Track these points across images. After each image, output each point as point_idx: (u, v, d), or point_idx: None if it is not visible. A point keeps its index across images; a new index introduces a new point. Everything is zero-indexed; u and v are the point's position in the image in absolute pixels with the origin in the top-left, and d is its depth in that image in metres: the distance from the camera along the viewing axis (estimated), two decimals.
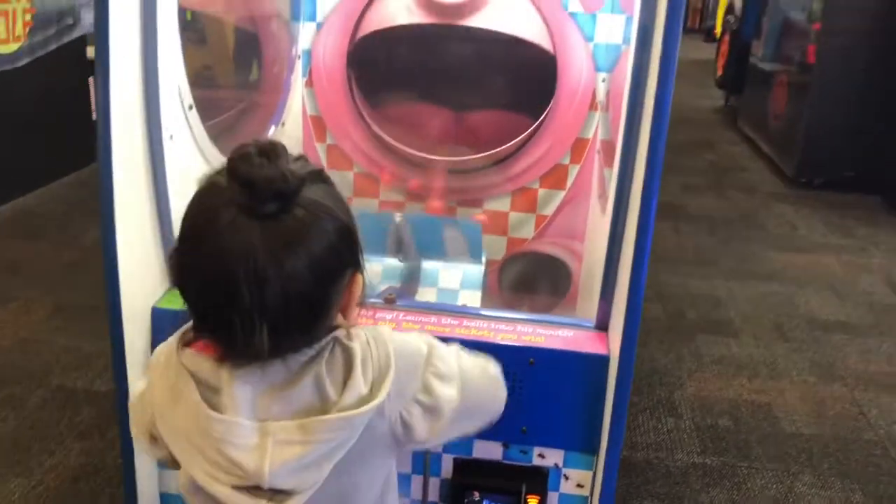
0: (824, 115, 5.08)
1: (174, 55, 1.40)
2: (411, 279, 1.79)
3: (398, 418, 0.93)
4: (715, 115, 7.59)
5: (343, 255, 0.88)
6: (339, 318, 0.93)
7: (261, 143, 0.84)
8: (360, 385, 0.88)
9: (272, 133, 2.00)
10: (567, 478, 1.40)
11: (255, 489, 0.87)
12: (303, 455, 0.86)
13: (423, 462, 1.41)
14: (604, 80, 2.08)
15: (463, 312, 1.43)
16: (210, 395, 0.88)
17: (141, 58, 1.29)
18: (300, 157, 0.87)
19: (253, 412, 0.87)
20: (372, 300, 1.46)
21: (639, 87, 1.24)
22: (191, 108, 1.48)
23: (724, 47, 7.55)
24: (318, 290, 0.86)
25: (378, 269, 1.81)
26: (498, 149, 2.15)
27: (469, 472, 1.41)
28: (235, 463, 0.87)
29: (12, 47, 4.34)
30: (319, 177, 0.88)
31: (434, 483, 1.43)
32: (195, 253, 0.84)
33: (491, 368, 1.09)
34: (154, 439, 0.98)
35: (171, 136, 1.38)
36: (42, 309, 3.33)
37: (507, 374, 1.33)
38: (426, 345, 0.99)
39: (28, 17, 4.44)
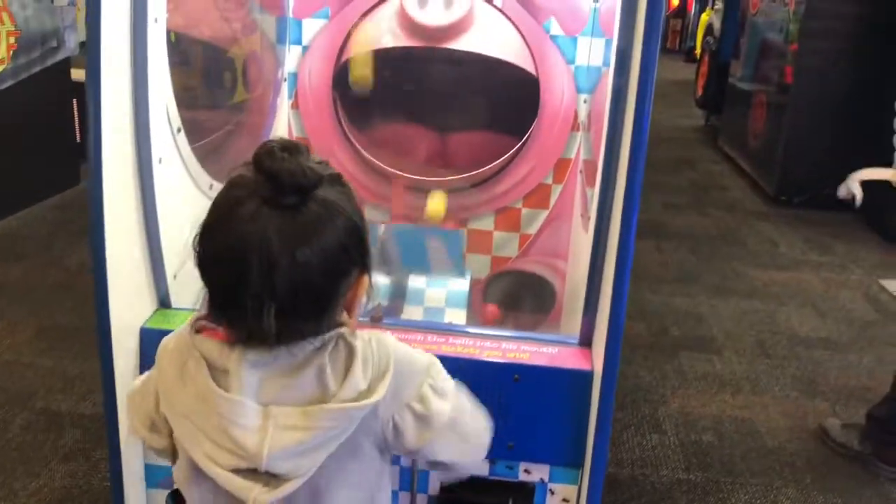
0: (803, 134, 5.17)
1: (163, 78, 1.42)
2: (397, 297, 1.81)
3: (391, 421, 0.97)
4: (695, 134, 7.68)
5: (352, 253, 0.93)
6: (345, 317, 0.98)
7: (284, 141, 0.91)
8: (359, 380, 0.93)
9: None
10: (553, 492, 1.42)
11: (251, 473, 0.91)
12: (302, 441, 0.90)
13: (411, 479, 1.42)
14: (585, 101, 2.12)
15: (449, 330, 1.46)
16: (218, 376, 0.93)
17: (131, 81, 1.31)
18: (322, 161, 0.93)
19: (257, 396, 0.91)
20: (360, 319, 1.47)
21: (618, 109, 1.27)
22: (179, 130, 1.50)
23: (704, 68, 7.67)
24: (325, 283, 0.91)
25: None
26: (481, 169, 2.18)
27: (456, 489, 1.42)
28: (237, 443, 0.91)
29: None
30: (338, 180, 0.94)
31: (422, 500, 1.44)
32: (217, 237, 0.90)
33: (482, 412, 1.11)
34: (154, 428, 1.02)
35: (160, 160, 1.40)
36: (26, 330, 3.32)
37: (493, 390, 1.36)
38: (428, 359, 1.03)
39: (12, 39, 4.45)
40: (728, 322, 3.69)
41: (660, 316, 3.73)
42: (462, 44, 2.09)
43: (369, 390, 0.93)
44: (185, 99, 1.72)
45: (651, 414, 2.93)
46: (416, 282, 1.82)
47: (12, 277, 3.84)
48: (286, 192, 0.87)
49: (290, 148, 0.89)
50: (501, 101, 2.19)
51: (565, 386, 1.35)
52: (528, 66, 2.12)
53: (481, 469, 1.42)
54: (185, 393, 0.95)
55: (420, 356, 1.03)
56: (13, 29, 4.44)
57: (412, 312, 1.78)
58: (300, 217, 0.89)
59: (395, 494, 1.44)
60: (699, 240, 4.77)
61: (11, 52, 4.45)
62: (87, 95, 1.22)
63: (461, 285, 1.82)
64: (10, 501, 2.30)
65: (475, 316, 2.18)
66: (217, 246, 0.91)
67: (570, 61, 2.12)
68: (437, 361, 1.04)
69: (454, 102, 2.22)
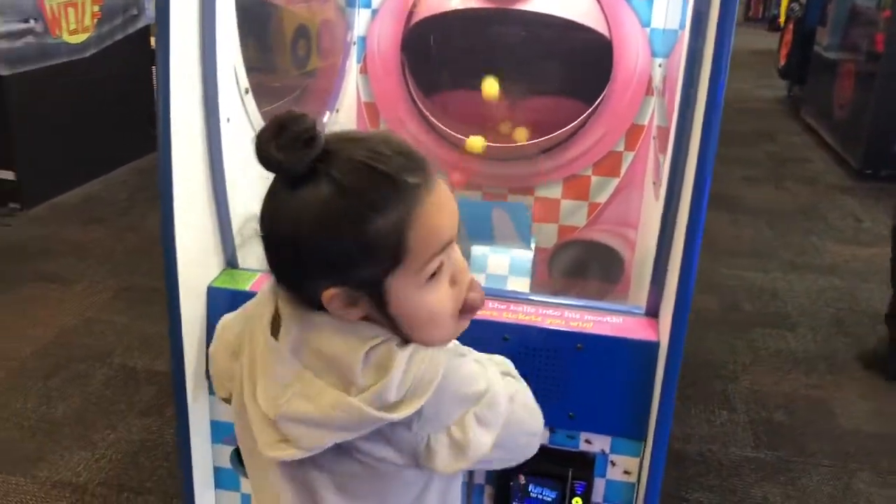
0: (892, 105, 4.92)
1: (231, 38, 1.43)
2: None
3: (426, 439, 0.91)
4: (777, 105, 7.40)
5: (306, 268, 0.88)
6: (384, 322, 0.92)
7: (277, 120, 0.84)
8: (387, 391, 0.87)
9: (327, 119, 2.02)
10: (614, 464, 1.40)
11: (272, 424, 0.90)
12: (308, 415, 0.88)
13: None
14: (660, 66, 2.05)
15: (511, 297, 1.43)
16: (277, 325, 0.93)
17: (199, 41, 1.32)
18: (314, 141, 0.83)
19: (298, 353, 0.90)
20: None
21: (692, 74, 1.22)
22: (247, 91, 1.51)
23: (788, 36, 7.35)
24: (296, 279, 0.90)
25: None
26: (550, 135, 2.14)
27: None
28: (264, 389, 0.91)
29: (81, 38, 4.49)
30: (325, 181, 0.84)
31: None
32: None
33: (535, 423, 1.04)
34: (235, 358, 1.01)
35: (228, 119, 1.41)
36: (106, 291, 3.45)
37: (555, 359, 1.34)
38: (486, 383, 0.95)
39: (96, 7, 4.58)
40: (804, 298, 3.57)
41: (732, 290, 3.63)
42: (533, 5, 2.05)
43: (397, 404, 0.88)
44: (257, 63, 1.74)
45: (721, 390, 2.86)
46: (479, 249, 1.80)
47: (94, 239, 3.99)
48: (284, 170, 0.85)
49: (277, 129, 0.83)
50: (572, 64, 2.13)
51: (629, 356, 1.32)
52: (601, 28, 2.06)
53: (541, 438, 1.40)
54: (242, 329, 0.98)
55: (477, 382, 0.94)
56: None
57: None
58: (298, 202, 0.85)
59: None
60: (776, 214, 4.61)
61: (95, 21, 4.59)
62: (157, 52, 1.23)
63: (525, 253, 1.79)
64: (89, 451, 2.41)
65: (540, 285, 2.16)
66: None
67: (646, 24, 2.05)
68: (496, 385, 0.96)
69: (524, 66, 2.17)
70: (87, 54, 4.49)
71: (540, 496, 1.40)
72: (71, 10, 4.36)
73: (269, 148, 0.83)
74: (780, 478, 2.42)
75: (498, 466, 1.04)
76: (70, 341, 3.04)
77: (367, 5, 2.17)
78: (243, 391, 0.96)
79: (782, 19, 8.47)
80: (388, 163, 0.85)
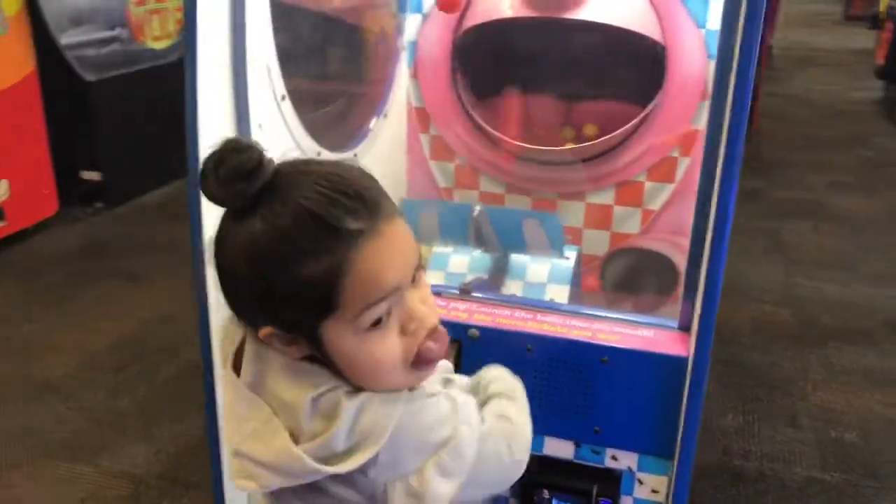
0: None
1: (265, 43, 1.45)
2: (498, 271, 1.77)
3: (383, 486, 0.87)
4: (872, 107, 7.02)
5: (241, 306, 0.87)
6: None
7: (212, 154, 0.82)
8: (335, 442, 0.84)
9: (373, 124, 2.03)
10: (641, 482, 1.35)
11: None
12: (261, 458, 0.86)
13: None
14: None
15: (537, 306, 1.41)
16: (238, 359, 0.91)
17: (230, 44, 1.34)
18: (254, 174, 0.81)
19: (256, 387, 0.88)
20: (450, 290, 1.46)
21: (723, 72, 1.16)
22: (283, 98, 1.53)
23: (887, 34, 6.97)
24: (239, 311, 0.88)
25: (465, 260, 1.80)
26: (600, 139, 2.09)
27: (540, 470, 1.38)
28: (229, 422, 0.89)
29: (165, 44, 4.67)
30: (260, 217, 0.81)
31: None
32: None
33: (517, 452, 0.99)
34: None
35: (260, 126, 1.43)
36: (182, 288, 3.56)
37: (579, 371, 1.31)
38: (451, 429, 0.89)
39: (179, 15, 4.75)
40: (889, 313, 3.37)
41: (810, 303, 3.47)
42: (584, 13, 2.00)
43: (346, 454, 0.84)
44: (306, 70, 1.76)
45: (788, 406, 2.73)
46: (518, 257, 1.78)
47: (173, 238, 4.13)
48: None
49: (217, 161, 0.81)
50: (625, 69, 2.08)
51: (656, 371, 1.27)
52: (655, 31, 2.00)
53: (566, 452, 1.37)
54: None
55: (441, 429, 0.89)
56: (180, 5, 4.73)
57: (512, 287, 1.74)
58: (220, 228, 0.86)
59: None
60: (864, 222, 4.37)
61: (178, 27, 4.76)
62: (185, 59, 1.26)
63: (565, 261, 1.75)
64: (150, 443, 2.49)
65: (591, 295, 2.11)
66: None
67: (701, 25, 1.98)
68: (467, 439, 0.90)
69: (575, 72, 2.13)
70: (171, 59, 4.66)
71: None
72: (155, 18, 4.54)
73: (208, 180, 0.80)
74: (849, 502, 2.29)
75: (480, 498, 1.00)
76: (143, 336, 3.15)
77: (419, 10, 2.17)
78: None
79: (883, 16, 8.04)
80: (330, 206, 0.80)
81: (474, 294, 1.44)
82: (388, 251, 0.82)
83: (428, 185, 2.28)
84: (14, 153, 3.80)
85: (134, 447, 2.49)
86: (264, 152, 0.82)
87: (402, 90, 2.19)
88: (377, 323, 0.84)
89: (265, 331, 0.84)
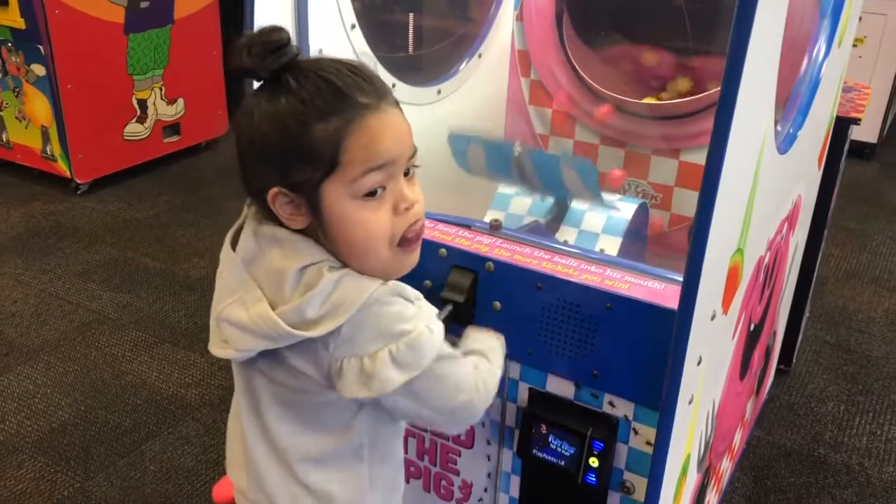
0: None
1: None
2: (556, 217, 1.79)
3: (339, 361, 0.96)
4: None
5: (257, 170, 0.96)
6: (324, 239, 0.98)
7: (249, 33, 0.94)
8: (307, 308, 0.93)
9: (464, 66, 2.08)
10: (637, 432, 1.35)
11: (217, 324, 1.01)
12: (240, 321, 0.96)
13: (503, 387, 1.45)
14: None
15: (557, 249, 1.42)
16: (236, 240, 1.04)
17: None
18: (282, 51, 0.93)
19: (249, 264, 0.99)
20: (478, 224, 1.51)
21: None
22: (353, 27, 1.62)
23: None
24: (250, 179, 0.98)
25: (527, 203, 1.83)
26: (702, 94, 2.02)
27: (541, 405, 1.42)
28: (216, 290, 1.02)
29: None
30: (284, 87, 0.93)
31: (511, 408, 1.47)
32: None
33: (473, 395, 1.06)
34: None
35: (321, 50, 1.53)
36: None
37: (584, 315, 1.32)
38: (413, 327, 0.96)
39: None
40: None
41: None
42: None
43: (315, 322, 0.93)
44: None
45: None
46: (578, 204, 1.78)
47: None
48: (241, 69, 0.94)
49: (252, 38, 0.93)
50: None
51: (653, 323, 1.26)
52: None
53: (567, 392, 1.40)
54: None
55: (404, 323, 0.96)
56: None
57: (567, 234, 1.75)
58: (253, 106, 0.95)
59: None
60: None
61: None
62: None
63: (623, 213, 1.73)
64: None
65: (631, 244, 2.06)
66: None
67: None
68: (426, 339, 0.97)
69: (682, 23, 2.05)
70: None
71: (559, 448, 1.40)
72: None
73: (240, 54, 0.93)
74: None
75: (428, 424, 1.06)
76: None
77: None
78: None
79: None
80: (345, 80, 0.93)
81: (503, 231, 1.48)
82: (389, 127, 0.95)
83: (525, 129, 2.31)
84: (192, 75, 4.20)
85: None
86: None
87: (505, 32, 2.21)
88: (372, 194, 0.95)
89: (273, 191, 0.94)
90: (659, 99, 2.11)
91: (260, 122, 0.93)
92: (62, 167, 3.86)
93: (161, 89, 4.08)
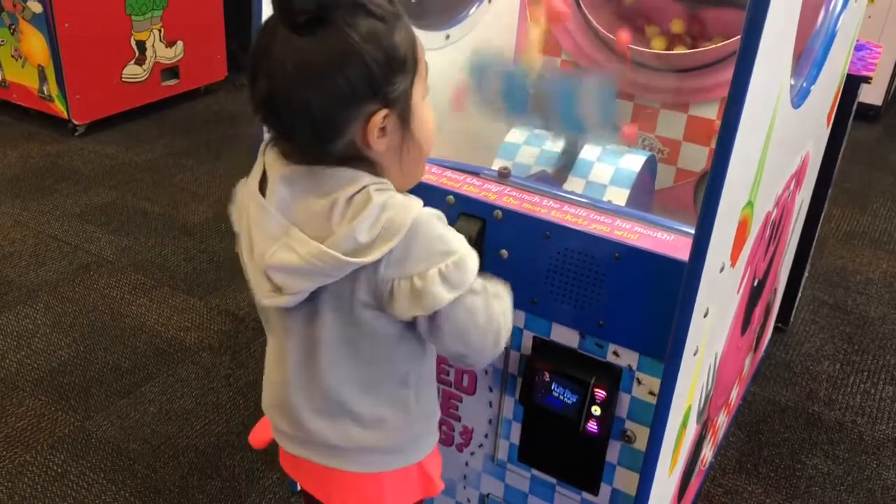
0: None
1: None
2: (564, 167, 1.77)
3: (390, 283, 0.98)
4: None
5: (359, 87, 0.94)
6: (375, 154, 1.00)
7: None
8: (358, 233, 0.94)
9: (474, 11, 2.04)
10: (640, 382, 1.36)
11: (266, 273, 1.01)
12: (293, 263, 0.98)
13: None
14: None
15: (566, 198, 1.41)
16: (265, 185, 1.03)
17: None
18: None
19: (289, 213, 0.99)
20: (486, 171, 1.49)
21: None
22: None
23: None
24: (320, 107, 0.94)
25: (535, 152, 1.81)
26: (712, 46, 1.99)
27: (544, 353, 1.42)
28: (256, 243, 1.02)
29: None
30: (363, 8, 0.92)
31: (514, 356, 1.47)
32: (251, 46, 0.99)
33: (497, 325, 1.09)
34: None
35: None
36: None
37: (591, 265, 1.32)
38: (457, 249, 1.00)
39: None
40: None
41: None
42: None
43: (368, 246, 0.95)
44: None
45: None
46: (587, 154, 1.76)
47: None
48: (293, 11, 0.90)
49: None
50: None
51: (661, 273, 1.25)
52: None
53: (571, 341, 1.40)
54: (245, 193, 1.07)
55: (448, 244, 0.99)
56: None
57: (574, 184, 1.73)
58: (309, 45, 0.92)
59: None
60: None
61: None
62: None
63: (632, 164, 1.72)
64: None
65: (639, 196, 2.05)
66: (249, 51, 0.99)
67: None
68: (465, 258, 1.00)
69: None
70: None
71: (561, 396, 1.41)
72: None
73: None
74: None
75: (462, 350, 1.07)
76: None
77: None
78: (244, 249, 1.07)
79: None
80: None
81: (512, 179, 1.46)
82: None
83: None
84: (192, 18, 4.12)
85: (242, 293, 2.75)
86: None
87: None
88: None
89: (382, 113, 0.96)
90: (674, 50, 2.07)
91: (363, 45, 0.92)
92: (59, 108, 3.81)
93: (160, 31, 4.01)
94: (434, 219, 1.00)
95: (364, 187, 0.97)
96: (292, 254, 0.97)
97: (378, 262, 0.96)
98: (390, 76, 0.95)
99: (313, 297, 1.02)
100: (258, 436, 1.34)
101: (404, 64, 0.96)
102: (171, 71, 4.16)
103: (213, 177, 3.60)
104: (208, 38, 4.25)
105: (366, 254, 0.95)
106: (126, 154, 3.77)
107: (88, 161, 3.68)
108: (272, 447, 1.28)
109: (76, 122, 3.84)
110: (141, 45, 3.95)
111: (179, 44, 4.13)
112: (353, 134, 0.97)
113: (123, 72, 3.92)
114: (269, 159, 1.02)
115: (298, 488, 1.86)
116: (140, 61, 3.98)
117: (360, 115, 0.96)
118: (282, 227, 0.99)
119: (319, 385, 1.10)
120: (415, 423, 1.16)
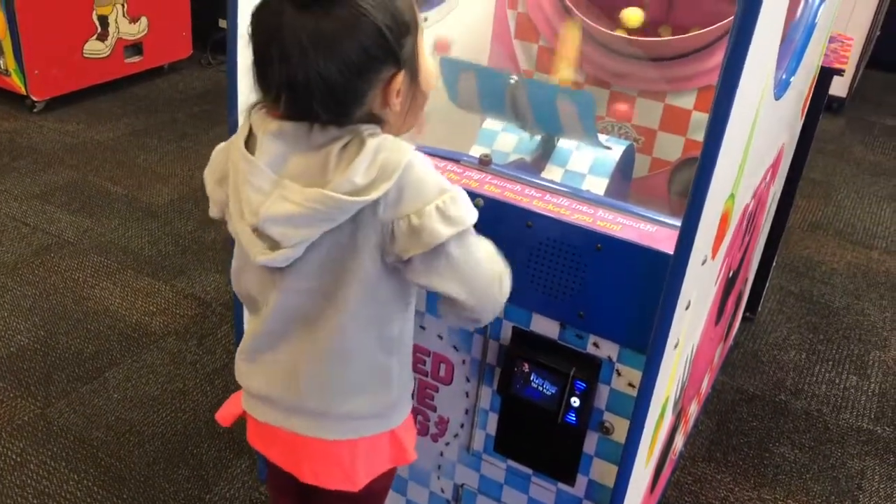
0: None
1: None
2: (542, 155, 1.75)
3: (390, 225, 1.00)
4: None
5: (377, 55, 0.97)
6: (387, 113, 1.03)
7: None
8: (356, 175, 0.96)
9: None
10: (620, 373, 1.35)
11: (260, 233, 1.01)
12: (291, 213, 0.98)
13: (486, 325, 1.43)
14: None
15: (547, 187, 1.39)
16: (253, 143, 1.03)
17: None
18: None
19: (279, 168, 1.00)
20: (467, 158, 1.47)
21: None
22: None
23: None
24: (344, 82, 0.96)
25: (513, 140, 1.79)
26: (688, 35, 1.98)
27: (524, 344, 1.41)
28: (246, 201, 1.01)
29: None
30: None
31: (493, 346, 1.45)
32: (253, 23, 0.99)
33: (501, 264, 1.13)
34: (219, 185, 1.11)
35: None
36: None
37: (573, 255, 1.30)
38: (449, 187, 1.02)
39: None
40: None
41: None
42: None
43: (367, 188, 0.97)
44: None
45: (860, 355, 2.60)
46: (565, 143, 1.74)
47: None
48: None
49: None
50: None
51: (643, 265, 1.24)
52: None
53: (551, 332, 1.38)
54: (231, 153, 1.06)
55: (441, 183, 1.02)
56: None
57: (553, 173, 1.71)
58: (321, 20, 0.93)
59: (469, 336, 1.46)
60: None
61: None
62: None
63: (610, 154, 1.71)
64: (223, 275, 2.68)
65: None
66: (252, 33, 0.99)
67: None
68: (460, 196, 1.03)
69: None
70: None
71: (540, 387, 1.40)
72: None
73: None
74: (891, 458, 2.19)
75: (464, 298, 1.07)
76: None
77: None
78: (233, 213, 1.05)
79: None
80: None
81: (493, 167, 1.44)
82: None
83: (509, 64, 2.25)
84: None
85: (208, 276, 2.70)
86: None
87: None
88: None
89: (401, 75, 1.00)
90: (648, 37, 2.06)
91: (360, 21, 0.94)
92: (16, 83, 3.68)
93: (123, 6, 3.89)
94: (427, 160, 1.02)
95: (353, 137, 0.99)
96: (287, 203, 0.98)
97: (377, 205, 0.99)
98: (400, 39, 0.99)
99: (308, 255, 1.02)
100: (226, 411, 1.31)
101: (409, 25, 1.00)
102: (135, 47, 4.05)
103: (177, 157, 3.51)
104: (173, 14, 4.14)
105: (366, 194, 0.97)
106: (87, 132, 3.67)
107: (48, 139, 3.57)
108: (240, 434, 1.25)
109: (35, 98, 3.72)
110: (103, 20, 3.83)
111: (143, 20, 4.02)
112: (372, 98, 1.00)
113: (84, 47, 3.81)
114: (255, 119, 1.03)
115: (264, 476, 1.83)
116: (102, 37, 3.86)
117: (379, 80, 0.99)
118: (272, 180, 1.00)
119: (315, 346, 1.10)
120: (395, 389, 1.18)
